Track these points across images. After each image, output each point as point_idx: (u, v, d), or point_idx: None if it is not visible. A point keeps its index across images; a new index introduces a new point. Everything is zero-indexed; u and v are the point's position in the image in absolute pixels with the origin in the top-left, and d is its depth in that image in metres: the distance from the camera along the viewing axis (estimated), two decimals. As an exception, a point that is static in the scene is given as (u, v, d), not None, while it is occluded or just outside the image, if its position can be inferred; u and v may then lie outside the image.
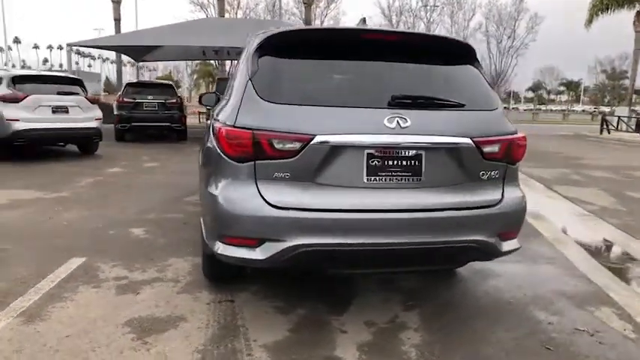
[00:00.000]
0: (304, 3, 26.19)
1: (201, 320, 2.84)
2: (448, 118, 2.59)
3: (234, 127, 2.44)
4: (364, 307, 3.10)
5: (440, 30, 47.42)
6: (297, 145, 2.38)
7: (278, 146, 2.39)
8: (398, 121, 2.44)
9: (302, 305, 3.06)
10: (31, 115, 8.40)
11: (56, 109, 8.72)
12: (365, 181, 2.46)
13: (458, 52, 2.88)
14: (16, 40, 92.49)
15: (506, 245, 2.75)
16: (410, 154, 2.49)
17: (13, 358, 2.39)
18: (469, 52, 2.87)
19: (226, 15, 34.13)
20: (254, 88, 2.52)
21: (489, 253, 2.67)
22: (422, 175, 2.52)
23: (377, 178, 2.47)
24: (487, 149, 2.60)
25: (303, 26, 2.80)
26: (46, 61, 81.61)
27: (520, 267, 3.98)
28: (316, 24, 34.41)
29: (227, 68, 27.07)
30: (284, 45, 2.66)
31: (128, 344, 2.55)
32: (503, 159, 2.68)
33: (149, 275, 3.51)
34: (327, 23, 36.35)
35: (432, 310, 3.09)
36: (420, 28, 41.12)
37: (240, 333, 2.70)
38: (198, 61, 42.12)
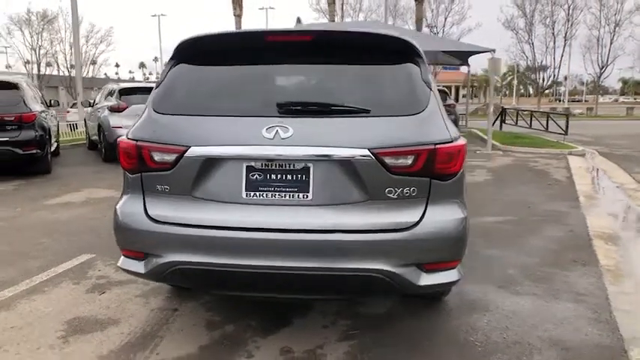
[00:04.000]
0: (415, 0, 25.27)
1: (131, 326, 2.91)
2: (343, 127, 2.25)
3: (127, 138, 2.47)
4: (298, 330, 2.87)
5: (584, 16, 41.52)
6: (172, 157, 2.32)
7: (156, 158, 2.36)
8: (278, 131, 2.20)
9: (236, 321, 2.96)
10: (132, 122, 9.44)
11: (153, 117, 9.76)
12: (244, 196, 2.27)
13: (391, 50, 2.50)
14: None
15: (432, 278, 2.29)
16: (295, 167, 2.23)
17: (-43, 342, 2.73)
18: (405, 49, 2.47)
19: (348, 19, 34.75)
20: (152, 101, 2.53)
21: (399, 286, 2.24)
22: (310, 192, 2.24)
23: (258, 193, 2.26)
24: (393, 162, 2.20)
25: (211, 32, 2.70)
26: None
27: (530, 301, 3.30)
28: (437, 22, 33.01)
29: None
30: (188, 54, 2.59)
31: (50, 342, 2.73)
32: (422, 173, 2.24)
33: (129, 276, 3.70)
34: (451, 19, 34.50)
35: (367, 342, 2.73)
36: (561, 15, 36.50)
37: (152, 344, 2.70)
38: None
